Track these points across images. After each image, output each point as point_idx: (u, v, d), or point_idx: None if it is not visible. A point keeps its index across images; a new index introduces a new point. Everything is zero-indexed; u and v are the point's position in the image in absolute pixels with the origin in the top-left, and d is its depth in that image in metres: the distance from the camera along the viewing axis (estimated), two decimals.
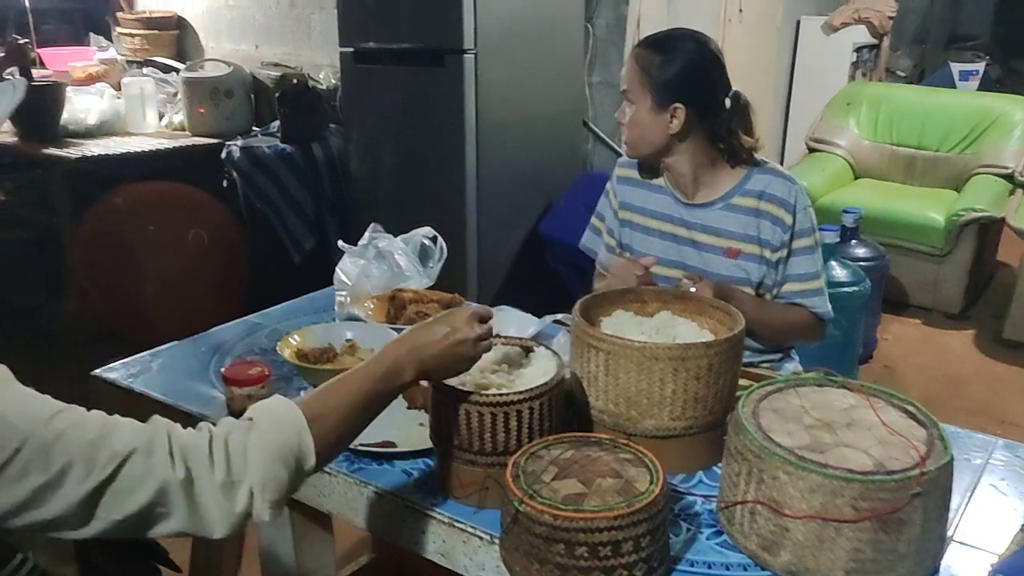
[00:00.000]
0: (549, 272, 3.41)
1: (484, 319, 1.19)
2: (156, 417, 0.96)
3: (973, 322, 4.01)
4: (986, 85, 6.19)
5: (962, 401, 3.28)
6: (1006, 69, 7.99)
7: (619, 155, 3.62)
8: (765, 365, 1.84)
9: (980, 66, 6.26)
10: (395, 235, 2.01)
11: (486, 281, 3.29)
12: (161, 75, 4.24)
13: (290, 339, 1.59)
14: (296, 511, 1.43)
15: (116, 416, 0.93)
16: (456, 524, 1.15)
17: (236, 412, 1.40)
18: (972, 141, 4.33)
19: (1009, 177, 4.07)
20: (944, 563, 1.08)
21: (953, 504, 1.15)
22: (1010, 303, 3.73)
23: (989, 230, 4.05)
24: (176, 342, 1.71)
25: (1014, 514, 1.19)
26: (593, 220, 1.96)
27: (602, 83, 3.84)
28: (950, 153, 4.40)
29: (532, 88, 3.36)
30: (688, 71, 1.63)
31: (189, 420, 1.41)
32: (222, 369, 1.44)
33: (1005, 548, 1.10)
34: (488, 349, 1.21)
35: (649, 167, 1.80)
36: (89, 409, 0.93)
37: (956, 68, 6.15)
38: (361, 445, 1.30)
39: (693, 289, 1.53)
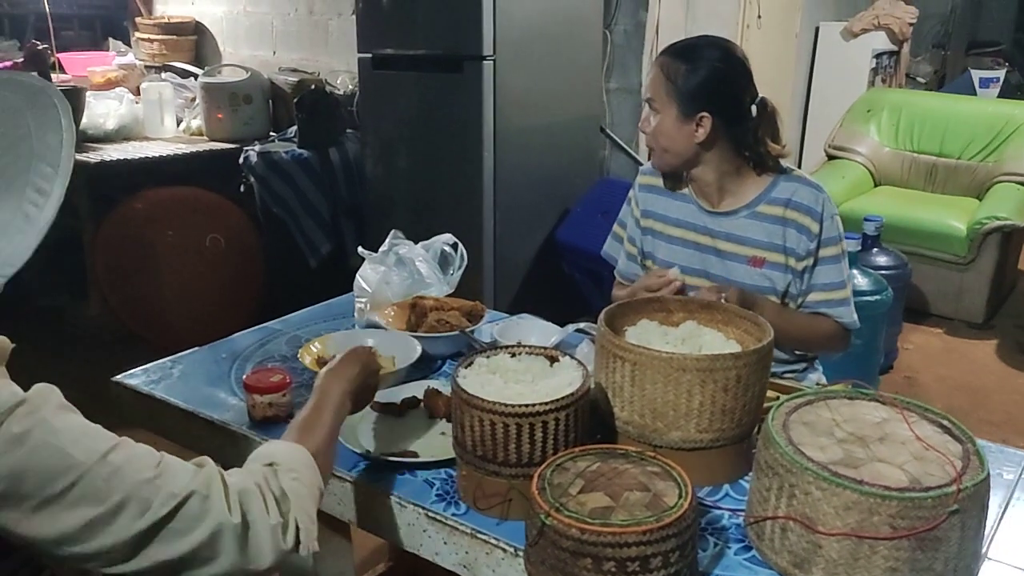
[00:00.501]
0: (565, 279, 3.39)
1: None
2: (206, 459, 0.98)
3: (996, 332, 3.96)
4: (1006, 92, 6.14)
5: (985, 413, 3.24)
6: None
7: (637, 162, 3.61)
8: (788, 376, 1.81)
9: (1000, 73, 6.21)
10: (412, 240, 2.01)
11: (502, 287, 3.27)
12: (179, 80, 4.26)
13: (311, 346, 1.58)
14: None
15: (167, 455, 0.94)
16: (479, 535, 1.13)
17: (257, 419, 1.39)
18: (994, 149, 4.29)
19: None
20: None
21: (987, 520, 1.12)
22: None
23: (1012, 239, 4.00)
24: (196, 348, 1.71)
25: None
26: (615, 228, 1.95)
27: (620, 89, 3.83)
28: (971, 161, 4.36)
29: (550, 94, 3.34)
30: (713, 79, 1.61)
31: (210, 427, 1.42)
32: (244, 376, 1.42)
33: None
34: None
35: (673, 175, 1.78)
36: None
37: (976, 74, 6.10)
38: (383, 455, 1.29)
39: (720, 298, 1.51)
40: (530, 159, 3.28)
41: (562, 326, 1.80)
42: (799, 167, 5.61)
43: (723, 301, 1.51)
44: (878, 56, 5.52)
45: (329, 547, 1.49)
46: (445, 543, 1.17)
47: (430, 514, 1.18)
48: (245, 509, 0.93)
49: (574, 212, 3.43)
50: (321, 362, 1.55)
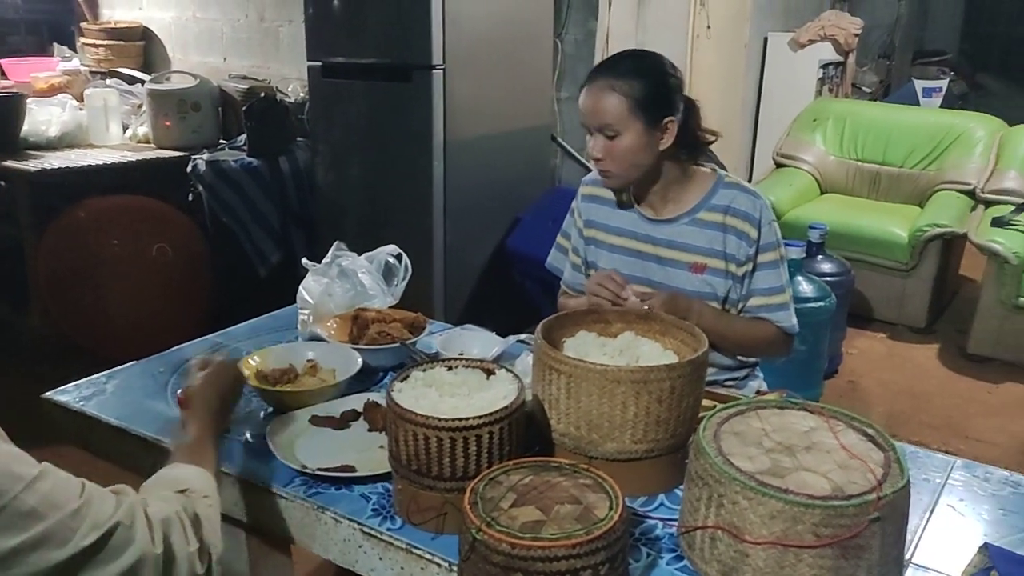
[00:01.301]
0: (516, 287, 3.40)
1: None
2: (126, 487, 0.99)
3: (938, 336, 4.05)
4: (949, 101, 6.30)
5: (926, 416, 3.31)
6: (972, 84, 8.15)
7: (588, 170, 3.64)
8: (729, 383, 1.84)
9: (943, 83, 6.38)
10: (362, 249, 2.00)
11: (453, 297, 3.27)
12: (126, 87, 4.19)
13: (250, 360, 1.56)
14: (253, 534, 1.41)
15: (90, 484, 0.95)
16: (414, 550, 1.13)
17: None
18: (935, 158, 4.40)
19: (971, 193, 4.14)
20: None
21: (912, 525, 1.15)
22: (973, 318, 3.78)
23: (952, 245, 4.10)
24: (133, 362, 1.68)
25: (972, 535, 1.20)
26: (559, 239, 1.96)
27: (571, 98, 3.85)
28: (914, 169, 4.47)
29: (500, 103, 3.36)
30: (665, 84, 1.64)
31: (143, 444, 1.39)
32: (178, 392, 1.40)
33: (962, 571, 1.10)
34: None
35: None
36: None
37: (919, 85, 6.26)
38: (320, 469, 1.28)
39: (645, 307, 1.54)
40: (481, 168, 3.29)
41: (511, 335, 1.81)
42: (749, 174, 5.72)
43: (646, 308, 1.53)
44: (825, 66, 5.63)
45: (268, 563, 1.47)
46: (380, 558, 1.17)
47: (365, 529, 1.17)
48: (167, 538, 0.96)
49: (525, 220, 3.44)
50: (260, 376, 1.54)
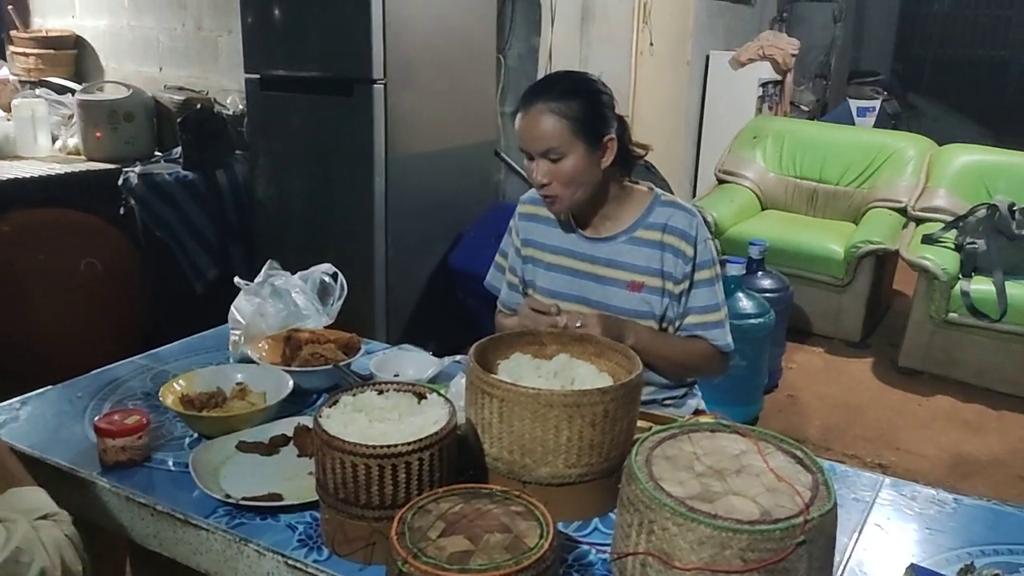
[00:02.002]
0: (460, 305, 3.38)
1: None
2: (12, 515, 1.03)
3: (872, 350, 4.15)
4: (882, 120, 6.50)
5: (860, 429, 3.38)
6: (904, 104, 8.41)
7: (531, 186, 3.64)
8: (668, 401, 1.84)
9: (876, 103, 6.57)
10: (303, 265, 1.96)
11: (394, 315, 3.24)
12: (56, 96, 4.06)
13: (174, 384, 1.51)
14: (175, 569, 1.35)
15: None
16: None
17: (109, 464, 1.32)
18: (869, 176, 4.52)
19: (903, 211, 4.26)
20: None
21: (840, 545, 1.16)
22: (905, 332, 3.87)
23: (885, 261, 4.21)
24: (50, 387, 1.61)
25: (899, 554, 1.21)
26: (497, 257, 1.94)
27: (514, 113, 3.85)
28: (848, 187, 4.58)
29: (443, 118, 3.34)
30: (601, 102, 1.64)
31: (57, 474, 1.33)
32: (96, 419, 1.35)
33: None
34: None
35: None
36: None
37: (854, 104, 6.43)
38: (244, 498, 1.24)
39: (577, 325, 1.53)
40: (423, 183, 3.26)
41: (448, 356, 1.78)
42: (693, 190, 5.80)
43: (578, 327, 1.53)
44: (764, 85, 5.76)
45: None
46: None
47: (289, 562, 1.14)
48: (64, 561, 1.02)
49: (467, 236, 3.43)
50: (185, 401, 1.49)
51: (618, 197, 1.73)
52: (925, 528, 1.28)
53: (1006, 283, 3.57)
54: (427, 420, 1.20)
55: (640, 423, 1.39)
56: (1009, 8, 9.54)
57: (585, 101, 1.62)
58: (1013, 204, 3.71)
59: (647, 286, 1.71)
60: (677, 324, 1.74)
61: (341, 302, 1.90)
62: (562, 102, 1.59)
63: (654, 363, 1.72)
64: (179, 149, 3.59)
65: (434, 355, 1.76)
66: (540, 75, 3.83)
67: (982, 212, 3.75)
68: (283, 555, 1.14)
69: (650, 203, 1.73)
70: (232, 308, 1.82)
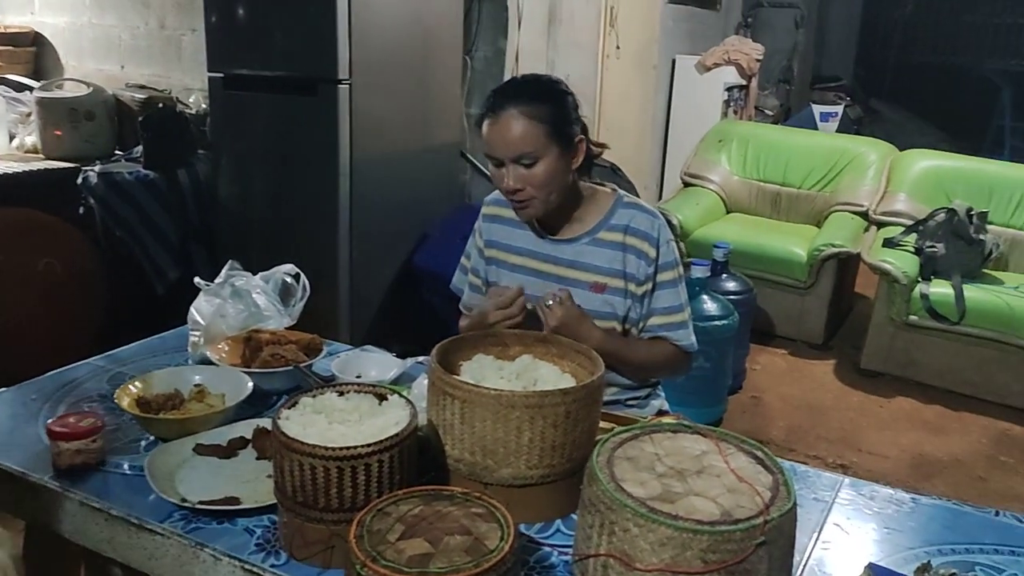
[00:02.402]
0: (425, 306, 3.36)
1: None
2: None
3: (834, 352, 4.20)
4: (845, 125, 6.59)
5: (823, 430, 3.42)
6: (866, 109, 8.54)
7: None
8: (631, 402, 1.85)
9: (839, 108, 6.66)
10: (266, 266, 1.93)
11: (359, 315, 3.21)
12: (14, 94, 3.97)
13: (130, 386, 1.48)
14: (129, 574, 1.32)
15: None
16: None
17: (63, 468, 1.29)
18: (831, 180, 4.58)
19: (864, 214, 4.32)
20: None
21: (800, 545, 1.16)
22: (866, 334, 3.93)
23: (847, 265, 4.27)
24: (3, 389, 1.57)
25: (858, 554, 1.22)
26: (462, 259, 1.94)
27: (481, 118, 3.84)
28: (811, 191, 4.64)
29: (409, 119, 3.32)
30: (570, 104, 1.64)
31: (8, 478, 1.30)
32: (49, 421, 1.32)
33: None
34: None
35: None
36: None
37: (817, 109, 6.52)
38: (201, 502, 1.22)
39: (549, 303, 1.54)
40: (388, 184, 3.24)
41: (411, 357, 1.77)
42: (660, 192, 5.84)
43: (553, 299, 1.54)
44: (729, 89, 5.82)
45: None
46: None
47: (246, 566, 1.12)
48: None
49: (433, 237, 3.41)
50: (142, 403, 1.46)
51: (581, 199, 1.73)
52: (883, 527, 1.29)
53: (964, 286, 3.64)
54: (388, 421, 1.19)
55: (602, 424, 1.39)
56: (969, 15, 9.73)
57: (556, 104, 1.61)
58: (971, 209, 3.78)
59: (610, 287, 1.71)
60: (641, 325, 1.75)
61: (303, 303, 1.88)
62: (534, 105, 1.58)
63: (617, 367, 1.73)
64: (140, 148, 3.53)
65: (398, 356, 1.75)
66: (507, 77, 3.83)
67: (941, 216, 3.82)
68: (240, 560, 1.12)
69: (612, 205, 1.74)
70: (192, 309, 1.79)
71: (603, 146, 1.76)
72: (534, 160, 1.59)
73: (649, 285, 1.71)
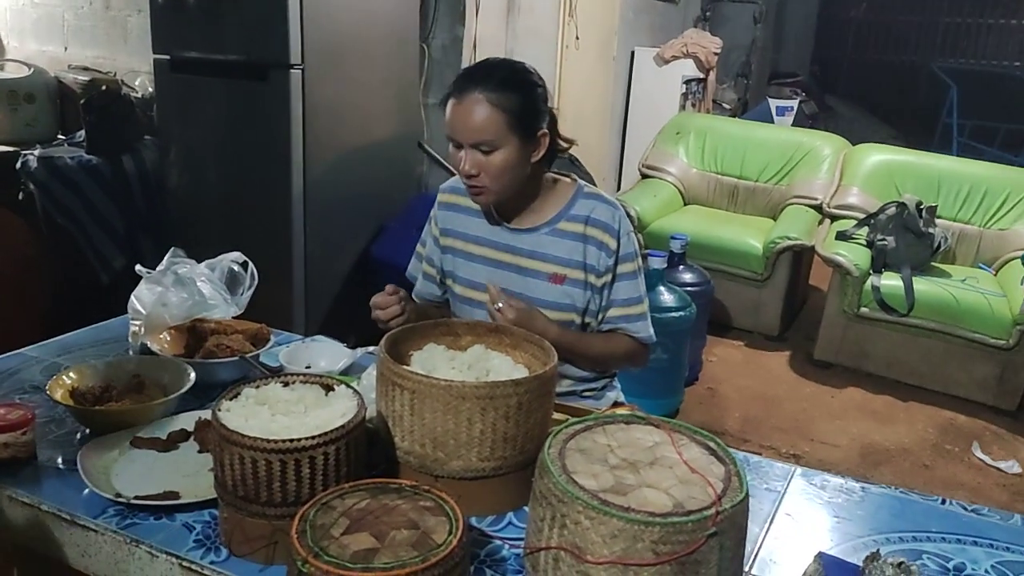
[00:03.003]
0: None
1: None
2: None
3: (789, 344, 4.24)
4: (800, 120, 6.67)
5: (777, 420, 3.45)
6: (821, 105, 8.66)
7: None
8: (587, 393, 1.83)
9: (795, 103, 6.73)
10: (215, 256, 1.87)
11: (313, 306, 3.15)
12: None
13: (64, 376, 1.42)
14: (63, 572, 1.27)
15: None
16: None
17: None
18: (786, 173, 4.62)
19: (818, 207, 4.36)
20: None
21: (752, 535, 1.16)
22: (819, 326, 3.98)
23: (802, 257, 4.31)
24: None
25: (808, 544, 1.22)
26: (417, 247, 1.90)
27: (438, 104, 3.78)
28: (767, 184, 4.68)
29: (364, 107, 3.26)
30: (537, 95, 1.60)
31: None
32: None
33: None
34: None
35: None
36: None
37: (773, 103, 6.58)
38: (137, 497, 1.17)
39: (498, 306, 1.50)
40: (343, 174, 3.18)
41: (361, 347, 1.73)
42: (618, 184, 5.84)
43: (501, 308, 1.50)
44: (688, 82, 5.84)
45: None
46: None
47: (184, 563, 1.07)
48: None
49: (390, 228, 3.36)
50: (76, 395, 1.40)
51: (541, 189, 1.70)
52: (833, 516, 1.29)
53: (913, 279, 3.69)
54: (334, 413, 1.15)
55: (556, 415, 1.37)
56: (920, 15, 9.92)
57: (523, 95, 1.57)
58: (920, 202, 3.84)
59: (569, 278, 1.69)
60: (600, 317, 1.73)
61: (251, 292, 1.83)
62: (500, 93, 1.54)
63: (574, 360, 1.71)
64: (83, 132, 3.42)
65: (353, 348, 1.71)
66: (464, 66, 3.79)
67: (892, 210, 3.88)
68: (178, 556, 1.08)
69: (573, 195, 1.71)
70: (132, 298, 1.73)
71: (571, 142, 1.73)
72: (492, 148, 1.55)
73: (609, 276, 1.69)
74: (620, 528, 0.98)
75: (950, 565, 1.17)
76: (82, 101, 3.35)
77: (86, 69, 3.93)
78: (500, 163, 1.56)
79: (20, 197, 3.27)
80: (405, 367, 1.22)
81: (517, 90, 1.56)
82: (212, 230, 3.19)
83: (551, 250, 1.69)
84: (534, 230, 1.70)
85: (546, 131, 1.61)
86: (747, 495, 1.04)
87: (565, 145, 1.73)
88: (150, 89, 3.71)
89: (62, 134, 3.63)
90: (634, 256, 1.72)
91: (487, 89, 1.53)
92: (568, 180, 1.75)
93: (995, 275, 3.94)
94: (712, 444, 1.16)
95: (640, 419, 1.22)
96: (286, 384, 1.22)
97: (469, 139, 1.55)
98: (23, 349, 1.67)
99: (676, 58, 5.71)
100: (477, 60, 3.95)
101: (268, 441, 1.05)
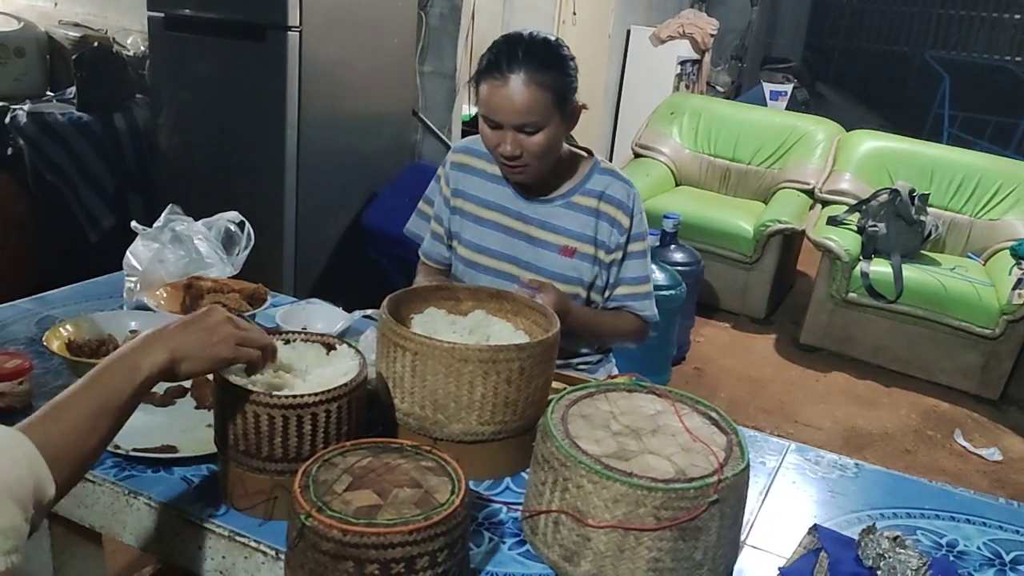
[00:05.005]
0: (371, 264, 3.30)
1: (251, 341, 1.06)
2: None
3: (775, 327, 4.27)
4: (793, 105, 6.67)
5: (762, 401, 3.48)
6: (812, 92, 8.67)
7: (448, 147, 3.57)
8: (582, 367, 1.83)
9: (788, 88, 6.73)
10: (207, 217, 1.85)
11: (304, 271, 3.13)
12: None
13: (61, 328, 1.40)
14: (57, 523, 1.26)
15: None
16: (237, 538, 1.04)
17: None
18: (779, 157, 4.63)
19: (810, 192, 4.38)
20: (737, 567, 1.09)
21: (748, 507, 1.17)
22: (806, 310, 4.00)
23: (792, 241, 4.33)
24: None
25: (803, 517, 1.23)
26: (420, 205, 1.87)
27: (434, 73, 3.77)
28: (759, 167, 4.68)
29: (361, 73, 3.23)
30: (574, 68, 1.57)
31: None
32: None
33: (792, 552, 1.13)
34: (254, 358, 1.07)
35: (491, 156, 1.72)
36: None
37: (767, 88, 6.58)
38: (135, 450, 1.16)
39: (538, 299, 1.43)
40: (337, 138, 3.15)
41: (358, 310, 1.72)
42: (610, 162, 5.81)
43: (532, 290, 1.49)
44: (683, 63, 5.82)
45: (75, 555, 1.33)
46: (200, 548, 1.07)
47: (184, 515, 1.07)
48: None
49: (382, 195, 3.34)
50: (72, 347, 1.39)
51: (560, 161, 1.68)
52: (828, 491, 1.31)
53: (903, 266, 3.72)
54: (336, 371, 1.14)
55: (555, 384, 1.37)
56: (914, 5, 9.93)
57: (562, 71, 1.54)
58: (913, 190, 3.86)
59: (579, 252, 1.68)
60: (607, 294, 1.72)
61: (247, 252, 1.81)
62: (542, 73, 1.50)
63: (586, 338, 1.72)
64: (73, 89, 3.37)
65: (351, 311, 1.70)
66: (462, 36, 3.75)
67: (884, 197, 3.89)
68: (177, 508, 1.07)
69: (590, 170, 1.70)
70: (128, 253, 1.71)
71: (583, 107, 1.71)
72: (537, 129, 1.52)
73: (619, 254, 1.69)
74: (622, 493, 0.99)
75: (943, 541, 1.19)
76: (74, 57, 3.30)
77: (77, 25, 3.86)
78: (544, 142, 1.54)
79: (9, 152, 3.23)
80: (407, 328, 1.22)
81: (557, 67, 1.53)
82: (203, 190, 3.16)
83: (563, 222, 1.68)
84: (548, 201, 1.69)
85: (581, 103, 1.60)
86: (748, 465, 1.05)
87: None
88: (142, 47, 3.66)
89: (51, 90, 3.57)
90: (644, 236, 1.72)
91: (531, 69, 1.49)
92: (584, 154, 1.74)
93: (984, 265, 3.97)
94: (714, 414, 1.16)
95: (642, 387, 1.23)
96: (287, 342, 1.21)
97: (514, 121, 1.52)
98: (17, 301, 1.65)
99: (672, 38, 5.69)
100: (476, 31, 3.92)
101: (271, 396, 1.04)
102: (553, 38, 1.59)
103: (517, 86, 1.49)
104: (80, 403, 0.90)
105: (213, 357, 1.01)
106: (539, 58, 1.51)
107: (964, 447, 3.26)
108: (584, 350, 1.81)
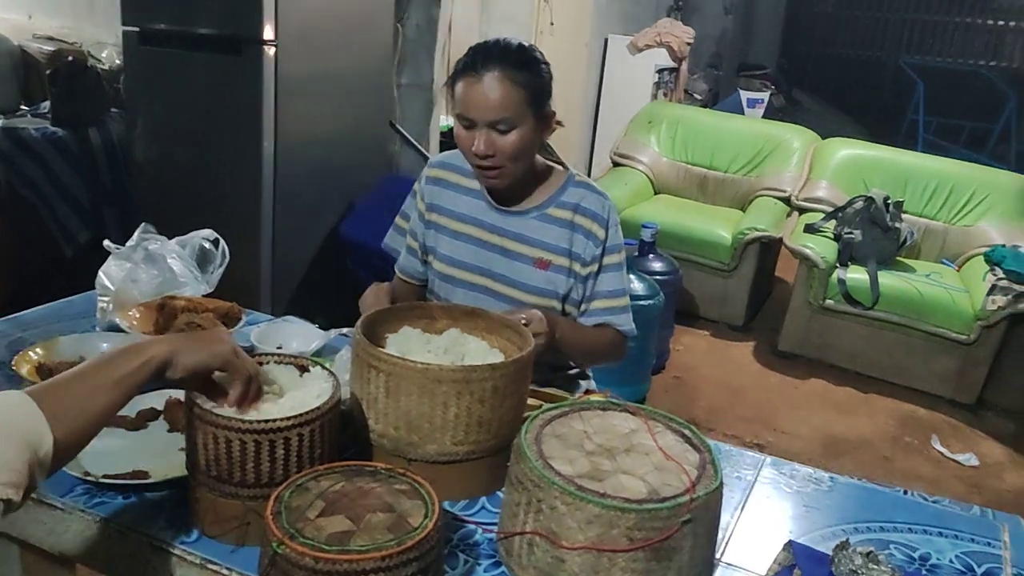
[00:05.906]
0: (350, 276, 3.29)
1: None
2: None
3: (754, 334, 4.29)
4: (770, 113, 6.72)
5: (742, 409, 3.50)
6: (788, 99, 8.73)
7: (426, 158, 3.57)
8: (559, 383, 1.83)
9: (765, 95, 6.78)
10: (183, 233, 1.84)
11: (281, 285, 3.12)
12: None
13: (31, 352, 1.39)
14: (28, 550, 1.25)
15: None
16: (209, 565, 1.03)
17: None
18: (756, 165, 4.66)
19: (787, 200, 4.41)
20: None
21: (723, 523, 1.17)
22: (784, 317, 4.03)
23: (769, 248, 4.36)
24: None
25: (778, 532, 1.23)
26: (398, 220, 1.87)
27: (411, 85, 3.77)
28: (737, 175, 4.71)
29: (338, 85, 3.23)
30: (548, 73, 1.59)
31: None
32: None
33: (768, 568, 1.13)
34: (251, 370, 1.10)
35: (467, 170, 1.73)
36: None
37: (744, 95, 6.63)
38: (105, 477, 1.15)
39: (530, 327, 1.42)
40: (314, 151, 3.14)
41: (335, 328, 1.72)
42: (589, 171, 5.87)
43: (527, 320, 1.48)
44: (660, 71, 5.86)
45: None
46: (171, 575, 1.06)
47: (154, 543, 1.06)
48: None
49: (359, 207, 3.33)
50: (43, 371, 1.37)
51: (534, 173, 1.69)
52: (803, 506, 1.31)
53: (879, 272, 3.76)
54: (309, 394, 1.14)
55: (530, 401, 1.37)
56: (887, 11, 10.04)
57: (537, 73, 1.55)
58: (888, 197, 3.90)
59: (554, 264, 1.68)
60: (583, 308, 1.72)
61: (222, 270, 1.80)
62: (519, 71, 1.51)
63: (570, 355, 1.72)
64: (47, 103, 3.34)
65: (321, 328, 1.69)
66: (439, 48, 3.76)
67: (859, 204, 3.93)
68: (148, 535, 1.06)
69: (564, 182, 1.70)
70: (100, 273, 1.69)
71: (559, 123, 1.73)
72: (510, 127, 1.53)
73: (595, 267, 1.69)
74: (596, 514, 0.99)
75: (916, 555, 1.20)
76: (48, 72, 3.27)
77: (51, 39, 3.83)
78: (516, 142, 1.54)
79: None
80: (381, 349, 1.21)
81: (532, 68, 1.55)
82: (179, 205, 3.14)
83: (538, 235, 1.68)
84: (523, 213, 1.69)
85: (554, 111, 1.60)
86: (721, 483, 1.06)
87: (555, 128, 1.72)
88: (117, 61, 3.64)
89: (25, 104, 3.54)
90: (620, 248, 1.71)
91: (506, 66, 1.51)
92: (559, 167, 1.74)
93: (958, 271, 4.02)
94: (687, 432, 1.17)
95: (616, 406, 1.23)
96: (260, 364, 1.20)
97: (488, 117, 1.52)
98: None
99: (649, 47, 5.73)
100: (453, 42, 3.93)
101: (243, 421, 1.04)
102: (527, 43, 1.61)
103: (491, 82, 1.50)
104: (84, 373, 0.96)
105: (212, 351, 1.05)
106: (514, 58, 1.53)
107: (941, 453, 3.29)
108: (559, 362, 1.81)
